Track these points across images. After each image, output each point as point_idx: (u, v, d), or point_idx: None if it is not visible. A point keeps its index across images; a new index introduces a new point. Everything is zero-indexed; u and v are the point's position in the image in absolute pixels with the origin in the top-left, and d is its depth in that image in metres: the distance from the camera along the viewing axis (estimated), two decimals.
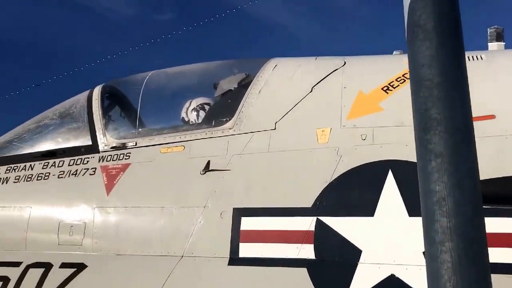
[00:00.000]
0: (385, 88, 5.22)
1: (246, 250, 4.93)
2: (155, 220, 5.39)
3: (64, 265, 5.45)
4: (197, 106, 6.46)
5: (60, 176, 5.99)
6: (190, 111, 6.44)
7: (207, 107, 6.47)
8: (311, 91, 5.48)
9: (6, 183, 6.19)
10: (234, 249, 4.95)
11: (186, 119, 6.42)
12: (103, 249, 5.49)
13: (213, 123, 5.75)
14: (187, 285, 4.93)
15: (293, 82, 5.67)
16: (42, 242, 5.76)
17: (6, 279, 5.49)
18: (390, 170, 4.71)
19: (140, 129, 6.13)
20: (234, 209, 5.10)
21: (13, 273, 5.52)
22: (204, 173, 5.37)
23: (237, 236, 4.99)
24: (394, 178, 4.68)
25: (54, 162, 6.12)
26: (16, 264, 5.61)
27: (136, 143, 5.91)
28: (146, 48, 9.38)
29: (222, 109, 5.99)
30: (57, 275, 5.37)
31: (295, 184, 5.03)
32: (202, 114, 6.40)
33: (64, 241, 5.66)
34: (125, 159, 5.83)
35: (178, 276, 4.97)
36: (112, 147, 5.98)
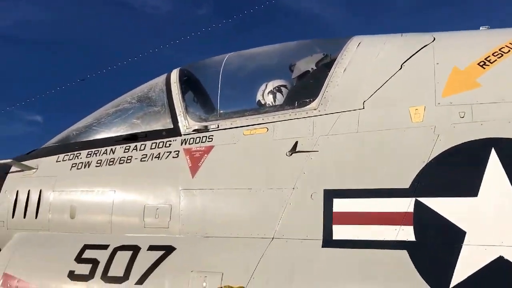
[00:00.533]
0: (481, 63, 4.98)
1: (340, 232, 4.81)
2: (243, 201, 5.33)
3: (152, 248, 5.46)
4: (273, 89, 6.35)
5: (143, 159, 6.00)
6: (267, 94, 6.34)
7: (284, 89, 6.35)
8: (401, 68, 5.28)
9: (88, 167, 6.24)
10: (328, 231, 4.84)
11: (263, 102, 6.33)
12: (190, 232, 5.47)
13: (296, 104, 5.62)
14: (281, 267, 4.85)
15: (380, 59, 5.48)
16: (128, 225, 5.79)
17: (95, 261, 5.54)
18: (493, 149, 4.49)
19: (221, 112, 6.06)
20: (325, 190, 4.98)
21: (102, 256, 5.57)
22: (291, 154, 5.27)
23: (329, 218, 4.87)
24: (498, 156, 4.46)
25: (136, 145, 6.13)
26: (104, 247, 5.66)
27: (218, 125, 5.85)
28: (185, 42, 9.37)
29: (304, 90, 5.86)
30: (146, 258, 5.38)
31: (390, 164, 4.87)
32: (279, 96, 6.29)
33: (150, 224, 5.67)
34: (208, 141, 5.79)
35: (271, 258, 4.90)
36: (194, 130, 5.94)
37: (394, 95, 5.17)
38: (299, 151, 5.25)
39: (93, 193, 6.08)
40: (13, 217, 6.39)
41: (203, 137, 5.84)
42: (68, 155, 6.45)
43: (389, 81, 5.25)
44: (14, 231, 6.38)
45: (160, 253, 5.36)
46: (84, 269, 5.52)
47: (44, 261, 5.88)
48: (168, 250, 5.37)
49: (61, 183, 6.28)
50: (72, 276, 5.54)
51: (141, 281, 5.22)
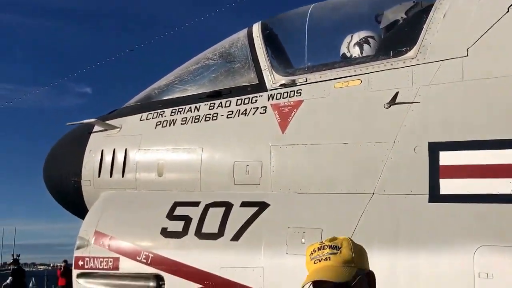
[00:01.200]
0: None
1: (448, 186, 4.57)
2: (338, 157, 5.14)
3: (245, 204, 5.37)
4: (360, 40, 6.05)
5: (229, 116, 5.87)
6: (353, 46, 6.05)
7: (371, 41, 6.04)
8: (508, 11, 4.88)
9: (173, 125, 6.17)
10: (434, 186, 4.61)
11: (348, 54, 6.05)
12: (283, 188, 5.35)
13: (391, 54, 5.32)
14: (385, 223, 4.67)
15: (483, 3, 5.09)
16: (217, 182, 5.71)
17: (188, 218, 5.51)
18: None
19: (308, 65, 5.83)
20: (429, 143, 4.72)
21: (194, 212, 5.53)
22: (389, 106, 5.02)
23: (436, 172, 4.63)
24: None
25: (221, 102, 6.00)
26: (195, 204, 5.62)
27: (306, 79, 5.63)
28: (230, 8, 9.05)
29: (398, 39, 5.55)
30: (239, 214, 5.31)
31: (499, 114, 4.56)
32: (366, 48, 5.99)
33: (240, 181, 5.57)
34: (297, 96, 5.59)
35: (373, 214, 4.72)
36: (280, 85, 5.74)
37: (501, 41, 4.80)
38: (398, 103, 4.98)
39: (180, 151, 6.02)
40: (99, 176, 6.43)
41: (290, 91, 5.64)
42: (151, 113, 6.40)
43: (495, 26, 4.87)
44: (101, 190, 6.43)
45: (253, 209, 5.27)
46: (177, 226, 5.51)
47: (135, 219, 5.91)
48: (262, 206, 5.27)
49: (147, 142, 6.24)
50: (165, 233, 5.53)
51: (236, 237, 5.16)
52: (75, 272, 5.96)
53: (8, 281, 21.32)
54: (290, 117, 5.51)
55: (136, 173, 6.20)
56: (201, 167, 5.82)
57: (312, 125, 5.38)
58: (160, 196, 5.97)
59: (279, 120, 5.55)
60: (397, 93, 4.95)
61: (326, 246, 2.53)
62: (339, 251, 2.50)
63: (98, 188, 6.45)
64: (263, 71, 5.90)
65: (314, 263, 2.53)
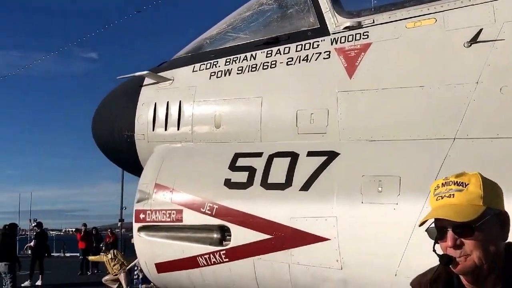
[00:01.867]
0: None
1: None
2: (414, 101, 4.86)
3: (312, 154, 5.14)
4: None
5: (289, 63, 5.59)
6: None
7: None
8: None
9: (229, 75, 5.92)
10: None
11: None
12: (352, 136, 5.10)
13: None
14: (470, 169, 4.40)
15: None
16: (279, 132, 5.48)
17: (251, 169, 5.32)
18: None
19: (375, 5, 5.48)
20: None
21: (257, 163, 5.33)
22: (470, 45, 4.69)
23: None
24: None
25: (279, 49, 5.72)
26: (257, 154, 5.42)
27: (373, 20, 5.30)
28: None
29: None
30: (307, 164, 5.09)
31: None
32: None
33: (304, 130, 5.34)
34: (363, 38, 5.27)
35: (457, 160, 4.46)
36: (344, 28, 5.42)
37: None
38: (480, 41, 4.64)
39: (238, 101, 5.79)
40: (153, 129, 6.24)
41: (356, 34, 5.32)
42: (204, 64, 6.15)
43: None
44: (155, 144, 6.26)
45: (322, 158, 5.05)
46: (241, 177, 5.32)
47: (196, 171, 5.74)
48: (331, 155, 5.04)
49: (202, 93, 6.02)
50: (229, 184, 5.36)
51: (305, 187, 4.95)
52: (136, 225, 5.85)
53: (32, 243, 21.79)
54: (358, 61, 5.21)
55: (192, 126, 6.00)
56: (261, 117, 5.59)
57: (383, 69, 5.08)
58: (219, 148, 5.78)
59: (345, 65, 5.26)
60: (481, 30, 4.61)
61: (451, 182, 2.27)
62: (465, 188, 2.24)
63: (152, 142, 6.28)
64: (324, 14, 5.58)
65: (437, 199, 2.28)
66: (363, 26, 5.34)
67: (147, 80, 6.50)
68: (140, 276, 17.77)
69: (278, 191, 5.08)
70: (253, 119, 5.63)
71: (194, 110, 6.01)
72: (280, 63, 5.64)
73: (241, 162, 5.46)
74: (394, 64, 5.06)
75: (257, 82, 5.72)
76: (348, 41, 5.36)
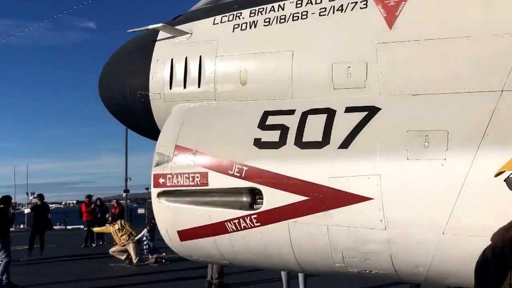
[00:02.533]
0: None
1: None
2: (460, 52, 4.53)
3: (350, 110, 4.81)
4: None
5: (322, 13, 5.20)
6: None
7: None
8: None
9: (255, 27, 5.51)
10: None
11: None
12: (393, 90, 4.76)
13: None
14: None
15: None
16: (313, 88, 5.12)
17: (284, 127, 4.98)
18: None
19: None
20: None
21: (290, 121, 4.99)
22: None
23: None
24: None
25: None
26: (289, 112, 5.06)
27: None
28: None
29: None
30: (346, 120, 4.76)
31: None
32: None
33: (341, 85, 4.99)
34: None
35: (506, 112, 4.16)
36: None
37: None
38: None
39: (266, 55, 5.39)
40: (170, 88, 5.84)
41: None
42: (226, 16, 5.72)
43: None
44: (173, 104, 5.86)
45: (362, 114, 4.72)
46: (272, 136, 4.97)
47: (221, 131, 5.36)
48: (372, 110, 4.70)
49: (225, 47, 5.61)
50: (260, 144, 5.01)
51: (345, 144, 4.63)
52: (154, 191, 5.49)
53: (26, 210, 21.20)
54: (398, 11, 4.85)
55: (215, 83, 5.61)
56: (292, 72, 5.21)
57: (426, 19, 4.73)
58: (246, 106, 5.41)
59: (384, 15, 4.89)
60: None
61: None
62: None
63: (170, 101, 5.88)
64: None
65: None
66: None
67: (161, 34, 6.07)
68: (151, 246, 17.52)
69: (314, 150, 4.75)
70: (283, 74, 5.26)
71: (217, 66, 5.61)
72: (312, 13, 5.25)
73: (271, 120, 5.10)
74: (436, 14, 4.71)
75: (286, 35, 5.33)
76: None
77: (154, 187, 5.49)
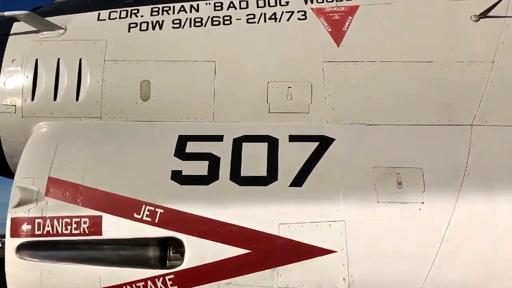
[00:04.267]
0: None
1: None
2: (422, 79, 4.03)
3: (296, 138, 3.92)
4: None
5: (250, 20, 4.28)
6: None
7: None
8: None
9: (160, 28, 4.32)
10: None
11: None
12: (344, 118, 4.03)
13: None
14: (501, 159, 3.74)
15: None
16: (242, 110, 4.12)
17: (213, 157, 3.84)
18: None
19: None
20: None
21: (220, 149, 3.89)
22: (478, 19, 4.09)
23: None
24: None
25: (232, 2, 4.35)
26: (216, 138, 3.97)
27: None
28: None
29: None
30: (294, 151, 3.87)
31: None
32: None
33: (279, 108, 4.09)
34: (348, 0, 4.28)
35: (483, 149, 3.76)
36: None
37: None
38: (490, 16, 4.06)
39: (178, 65, 4.20)
40: (33, 99, 4.22)
41: None
42: (116, 11, 4.40)
43: None
44: (36, 120, 4.23)
45: (312, 145, 3.86)
46: (198, 168, 3.78)
47: (120, 160, 3.94)
48: (323, 141, 3.88)
49: (119, 51, 4.26)
50: (181, 178, 3.76)
51: (298, 181, 3.71)
52: (12, 242, 3.75)
53: None
54: (346, 26, 4.18)
55: (102, 96, 4.19)
56: (215, 87, 4.12)
57: (379, 38, 4.15)
58: (152, 128, 4.11)
59: (329, 30, 4.18)
60: (495, 4, 4.01)
61: None
62: None
63: (31, 117, 4.23)
64: None
65: None
66: None
67: (18, 26, 4.41)
68: None
69: (259, 187, 3.70)
70: (203, 90, 4.13)
71: (106, 74, 4.20)
72: (237, 19, 4.28)
73: (192, 147, 3.91)
74: (392, 33, 4.18)
75: (206, 41, 4.24)
76: (327, 1, 4.28)
77: (11, 236, 3.75)
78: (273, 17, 4.26)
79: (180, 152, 3.86)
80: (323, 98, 4.02)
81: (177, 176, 3.75)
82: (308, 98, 4.03)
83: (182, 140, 3.94)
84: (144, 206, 3.67)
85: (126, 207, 3.68)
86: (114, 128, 4.11)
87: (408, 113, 3.96)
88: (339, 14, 4.22)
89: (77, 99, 4.18)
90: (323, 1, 4.30)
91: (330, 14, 4.22)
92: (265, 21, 4.26)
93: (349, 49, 4.10)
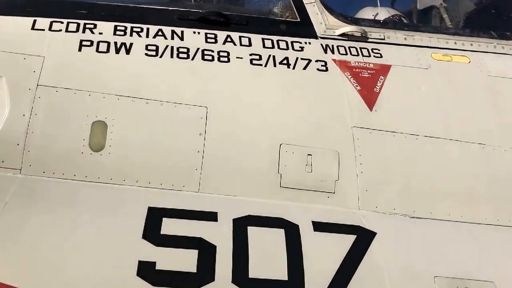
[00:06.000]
0: None
1: None
2: (473, 163, 3.10)
3: (321, 227, 2.70)
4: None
5: (255, 61, 3.17)
6: None
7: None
8: None
9: (128, 53, 3.04)
10: None
11: None
12: (380, 205, 2.91)
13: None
14: None
15: None
16: (242, 179, 2.86)
17: (204, 244, 2.48)
18: None
19: (387, 18, 3.72)
20: None
21: (213, 232, 2.54)
22: None
23: None
24: None
25: (230, 36, 3.25)
26: (206, 215, 2.64)
27: (384, 36, 3.49)
28: None
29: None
30: (322, 245, 2.62)
31: None
32: None
33: (295, 182, 2.90)
34: (375, 57, 3.39)
35: None
36: (340, 35, 3.42)
37: None
38: None
39: (150, 104, 2.89)
40: None
41: (361, 49, 3.39)
42: (62, 22, 3.06)
43: None
44: None
45: (348, 239, 2.66)
46: (181, 259, 2.39)
47: (52, 244, 2.39)
48: (362, 234, 2.70)
49: (61, 74, 2.87)
50: (154, 275, 2.32)
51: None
52: None
53: None
54: (378, 88, 3.22)
55: (29, 136, 2.70)
56: (205, 144, 2.84)
57: (422, 107, 3.22)
58: (105, 192, 2.66)
59: (358, 88, 3.18)
60: None
61: None
62: None
63: None
64: (306, 5, 3.46)
65: None
66: (369, 40, 3.44)
67: None
68: None
69: None
70: (186, 146, 2.83)
71: (38, 104, 2.76)
72: (238, 58, 3.14)
73: (171, 227, 2.51)
74: (433, 104, 3.26)
75: (194, 80, 3.00)
76: (351, 55, 3.34)
77: None
78: (285, 62, 3.18)
79: (152, 233, 2.44)
80: (354, 175, 2.90)
81: (147, 270, 2.30)
82: (334, 172, 2.89)
83: (154, 215, 2.53)
84: None
85: None
86: (43, 188, 2.59)
87: (466, 207, 2.95)
88: (368, 72, 3.26)
89: None
90: (346, 53, 3.32)
91: (357, 70, 3.25)
92: (274, 65, 3.16)
93: (385, 115, 3.11)
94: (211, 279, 2.34)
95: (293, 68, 3.17)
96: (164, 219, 2.52)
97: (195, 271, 2.34)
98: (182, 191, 2.74)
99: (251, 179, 2.82)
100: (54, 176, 2.65)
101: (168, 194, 2.70)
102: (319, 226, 2.67)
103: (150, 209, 2.55)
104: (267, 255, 2.49)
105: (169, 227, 2.49)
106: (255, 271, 2.40)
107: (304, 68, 3.19)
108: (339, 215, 2.78)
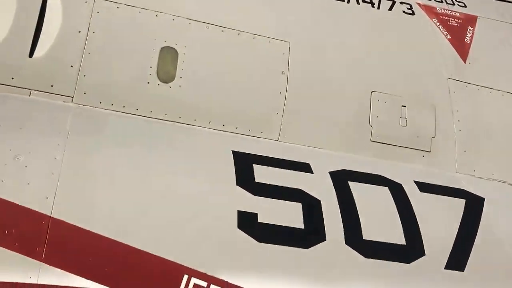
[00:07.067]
0: None
1: None
2: None
3: (427, 188, 2.34)
4: None
5: None
6: None
7: None
8: None
9: None
10: None
11: None
12: (480, 169, 2.58)
13: None
14: None
15: None
16: (328, 130, 2.44)
17: (305, 197, 2.05)
18: None
19: None
20: None
21: (311, 186, 2.11)
22: None
23: None
24: None
25: None
26: (301, 167, 2.21)
27: None
28: None
29: None
30: (433, 208, 2.26)
31: None
32: None
33: (387, 136, 2.51)
34: (460, 6, 3.03)
35: None
36: None
37: None
38: None
39: (227, 33, 2.44)
40: None
41: None
42: None
43: None
44: None
45: (458, 203, 2.30)
46: (285, 213, 1.99)
47: (129, 180, 1.92)
48: (471, 200, 2.35)
49: None
50: (257, 228, 1.91)
51: (457, 262, 2.14)
52: None
53: None
54: (468, 39, 2.86)
55: (84, 58, 2.22)
56: (287, 84, 2.41)
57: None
58: (174, 131, 2.22)
59: (449, 37, 2.82)
60: None
61: None
62: None
63: None
64: None
65: None
66: None
67: None
68: None
69: (397, 265, 2.02)
70: (264, 86, 2.40)
71: (95, 20, 2.29)
72: None
73: (265, 175, 2.09)
74: None
75: (272, 9, 2.56)
76: (437, 1, 2.96)
77: None
78: (368, 0, 2.77)
79: (247, 180, 2.00)
80: (451, 133, 2.53)
81: (249, 222, 1.87)
82: (430, 128, 2.51)
83: (243, 161, 2.09)
84: (186, 278, 1.70)
85: (152, 278, 1.68)
86: (101, 121, 2.10)
87: None
88: (456, 20, 2.89)
89: (30, 55, 2.13)
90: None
91: (444, 17, 2.87)
92: (358, 2, 2.74)
93: (479, 69, 2.76)
94: (322, 237, 1.93)
95: (378, 8, 2.76)
96: (254, 165, 2.08)
97: (303, 227, 1.93)
98: (261, 138, 2.30)
99: (338, 130, 2.41)
100: (112, 109, 2.16)
101: (247, 139, 2.26)
102: (424, 187, 2.30)
103: (236, 154, 2.11)
104: (378, 214, 2.10)
105: (262, 174, 2.06)
106: (369, 233, 2.01)
107: (390, 9, 2.79)
108: (439, 176, 2.41)
